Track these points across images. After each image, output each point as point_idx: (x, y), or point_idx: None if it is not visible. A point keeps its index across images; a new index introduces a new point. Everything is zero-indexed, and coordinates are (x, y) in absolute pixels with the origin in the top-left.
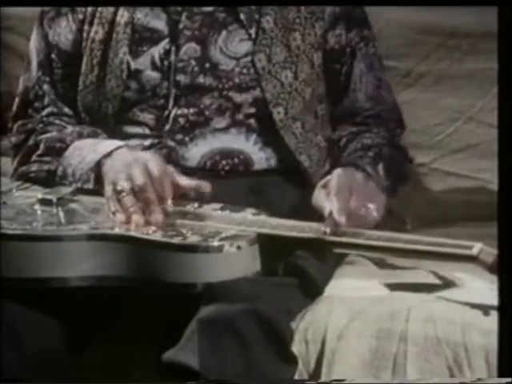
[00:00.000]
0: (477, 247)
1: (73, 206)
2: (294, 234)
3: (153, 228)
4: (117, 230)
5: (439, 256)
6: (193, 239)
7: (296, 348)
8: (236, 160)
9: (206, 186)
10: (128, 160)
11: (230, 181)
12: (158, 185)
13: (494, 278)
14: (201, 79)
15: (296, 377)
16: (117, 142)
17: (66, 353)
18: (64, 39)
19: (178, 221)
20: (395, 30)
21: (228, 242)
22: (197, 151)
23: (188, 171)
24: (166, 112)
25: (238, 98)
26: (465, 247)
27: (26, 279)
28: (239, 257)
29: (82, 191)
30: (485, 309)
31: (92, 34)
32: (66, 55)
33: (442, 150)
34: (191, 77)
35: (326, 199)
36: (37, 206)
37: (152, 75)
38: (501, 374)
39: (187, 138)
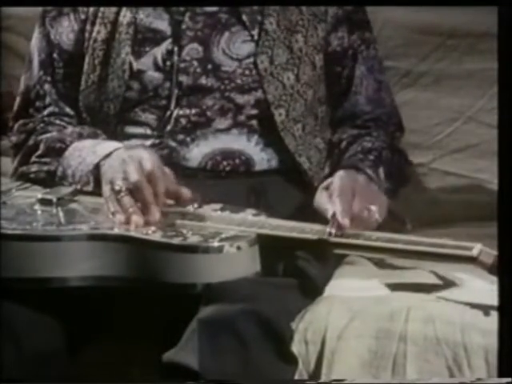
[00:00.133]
0: (477, 248)
1: (73, 206)
2: (294, 234)
3: (153, 228)
4: (117, 230)
5: (439, 257)
6: (193, 240)
7: (296, 348)
8: (237, 161)
9: (186, 194)
10: (123, 158)
11: (230, 181)
12: (152, 178)
13: (494, 278)
14: (203, 80)
15: (296, 377)
16: (115, 144)
17: (66, 353)
18: (66, 39)
19: (177, 221)
20: (394, 30)
21: (228, 242)
22: (198, 152)
23: (189, 172)
24: (168, 112)
25: (240, 99)
26: (465, 248)
27: (25, 279)
28: (239, 257)
29: (81, 191)
30: (485, 309)
31: (94, 34)
32: (67, 55)
33: (442, 149)
34: (193, 77)
35: (328, 201)
36: (37, 206)
37: (154, 76)
38: (501, 374)
39: (189, 139)
